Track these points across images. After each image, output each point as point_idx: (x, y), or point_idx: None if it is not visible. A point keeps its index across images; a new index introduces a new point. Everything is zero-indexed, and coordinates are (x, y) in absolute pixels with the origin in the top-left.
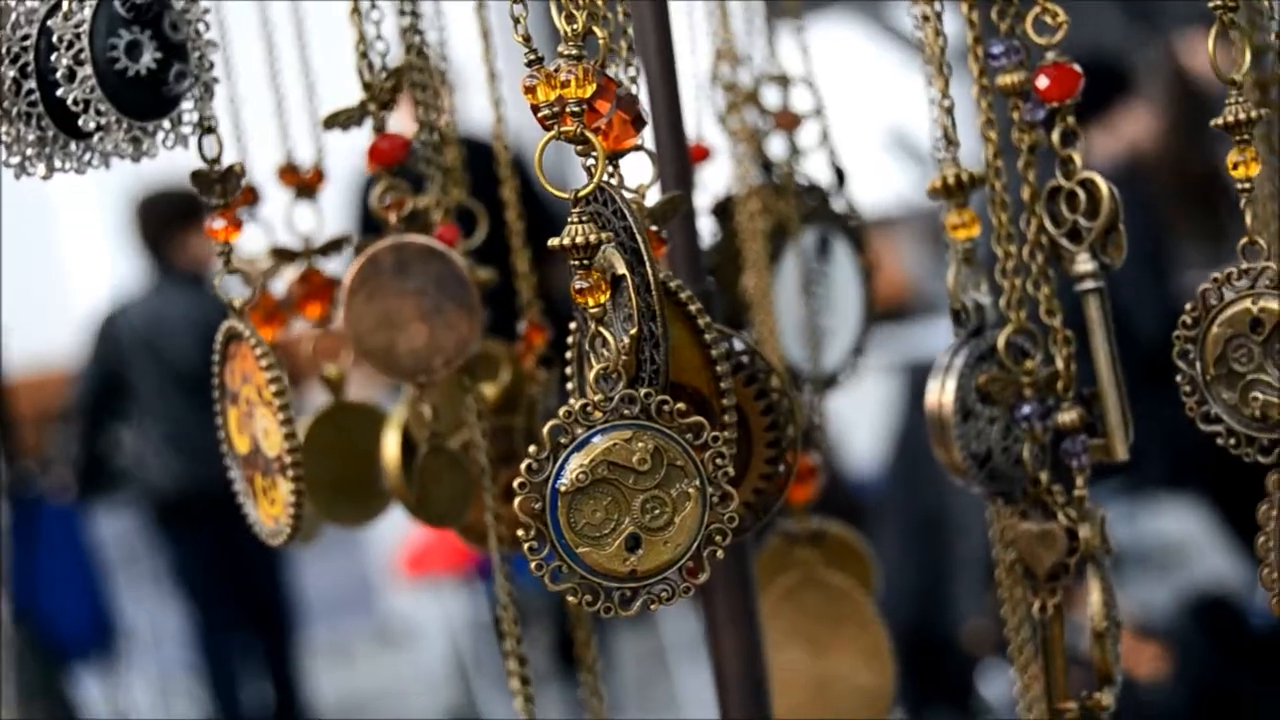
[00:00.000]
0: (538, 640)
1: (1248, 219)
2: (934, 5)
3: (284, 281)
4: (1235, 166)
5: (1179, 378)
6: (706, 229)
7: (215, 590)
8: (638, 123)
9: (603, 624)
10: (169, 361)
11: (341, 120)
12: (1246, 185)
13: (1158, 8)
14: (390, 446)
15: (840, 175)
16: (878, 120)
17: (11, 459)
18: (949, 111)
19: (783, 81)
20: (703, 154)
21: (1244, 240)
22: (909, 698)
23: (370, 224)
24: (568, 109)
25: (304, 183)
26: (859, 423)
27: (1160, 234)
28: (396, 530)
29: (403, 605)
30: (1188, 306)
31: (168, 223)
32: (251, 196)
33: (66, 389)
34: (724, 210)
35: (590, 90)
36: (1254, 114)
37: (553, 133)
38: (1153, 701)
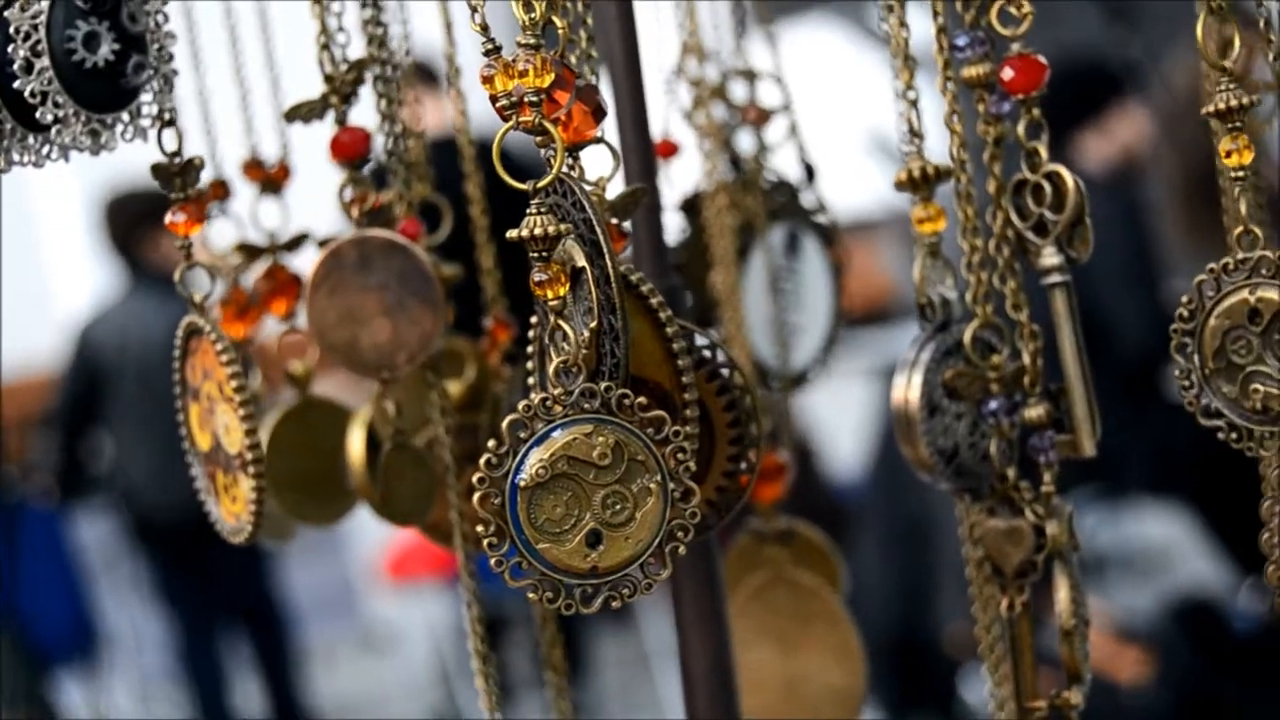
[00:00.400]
0: (520, 645)
1: (1242, 208)
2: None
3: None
4: (1228, 154)
5: (1177, 372)
6: (673, 225)
7: (198, 596)
8: (598, 114)
9: (584, 629)
10: (143, 366)
11: (303, 113)
12: (1239, 173)
13: (1136, 7)
14: (355, 444)
15: (809, 171)
16: (857, 123)
17: None
18: (914, 104)
19: (750, 76)
20: (670, 149)
21: (1239, 229)
22: (890, 701)
23: None
24: (526, 99)
25: (269, 178)
26: (840, 426)
27: (1149, 239)
28: (378, 534)
29: (385, 609)
30: (1184, 299)
31: (138, 223)
32: (221, 191)
33: (48, 394)
34: (691, 206)
35: (548, 80)
36: (1245, 100)
37: (510, 123)
38: (1135, 706)
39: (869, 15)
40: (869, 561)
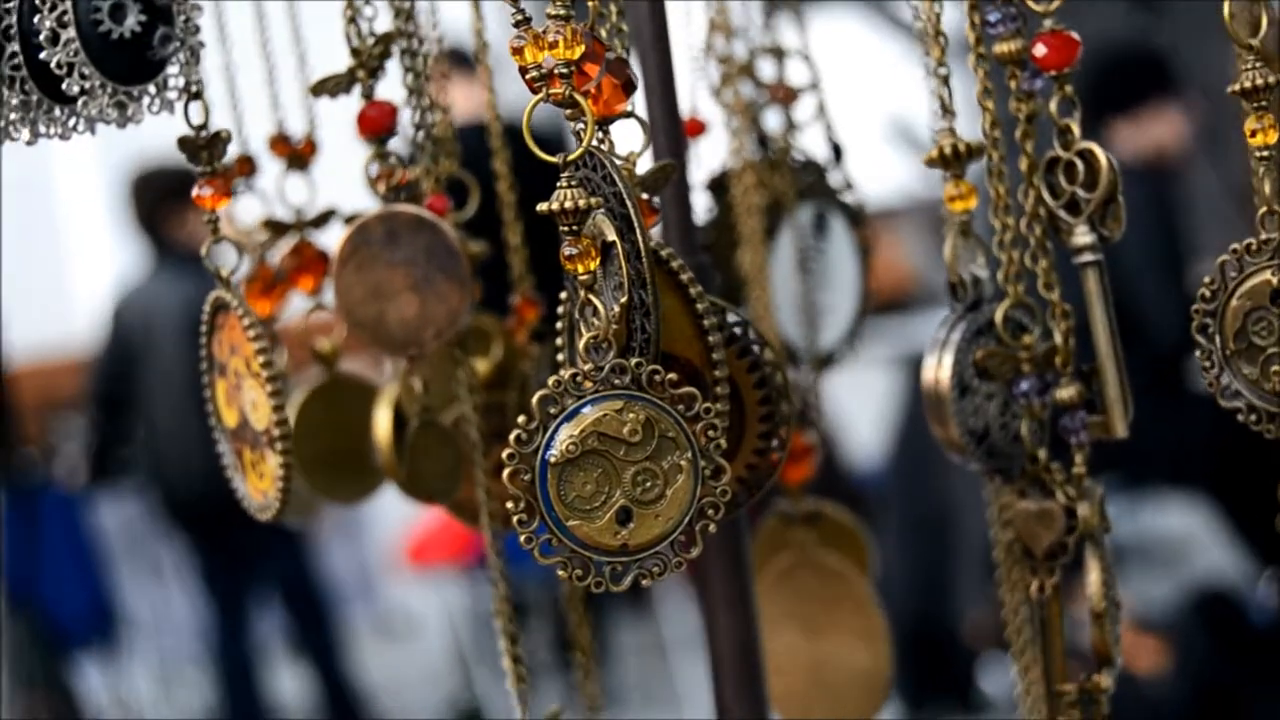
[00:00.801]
0: (538, 634)
1: (1266, 188)
2: None
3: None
4: (1253, 134)
5: (1198, 352)
6: (701, 204)
7: (230, 576)
8: (628, 87)
9: (602, 616)
10: (171, 343)
11: (330, 87)
12: (1265, 153)
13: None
14: (382, 422)
15: (837, 150)
16: (880, 112)
17: (13, 447)
18: (945, 81)
19: (778, 54)
20: (698, 128)
21: (1263, 209)
22: (909, 690)
23: None
24: (556, 71)
25: (296, 153)
26: (861, 415)
27: (1179, 235)
28: (397, 520)
29: (403, 595)
30: (1206, 280)
31: (163, 200)
32: (248, 167)
33: (70, 376)
34: (719, 185)
35: (578, 52)
36: (1271, 79)
37: (540, 95)
38: (1153, 695)
39: (891, 3)
40: (888, 551)
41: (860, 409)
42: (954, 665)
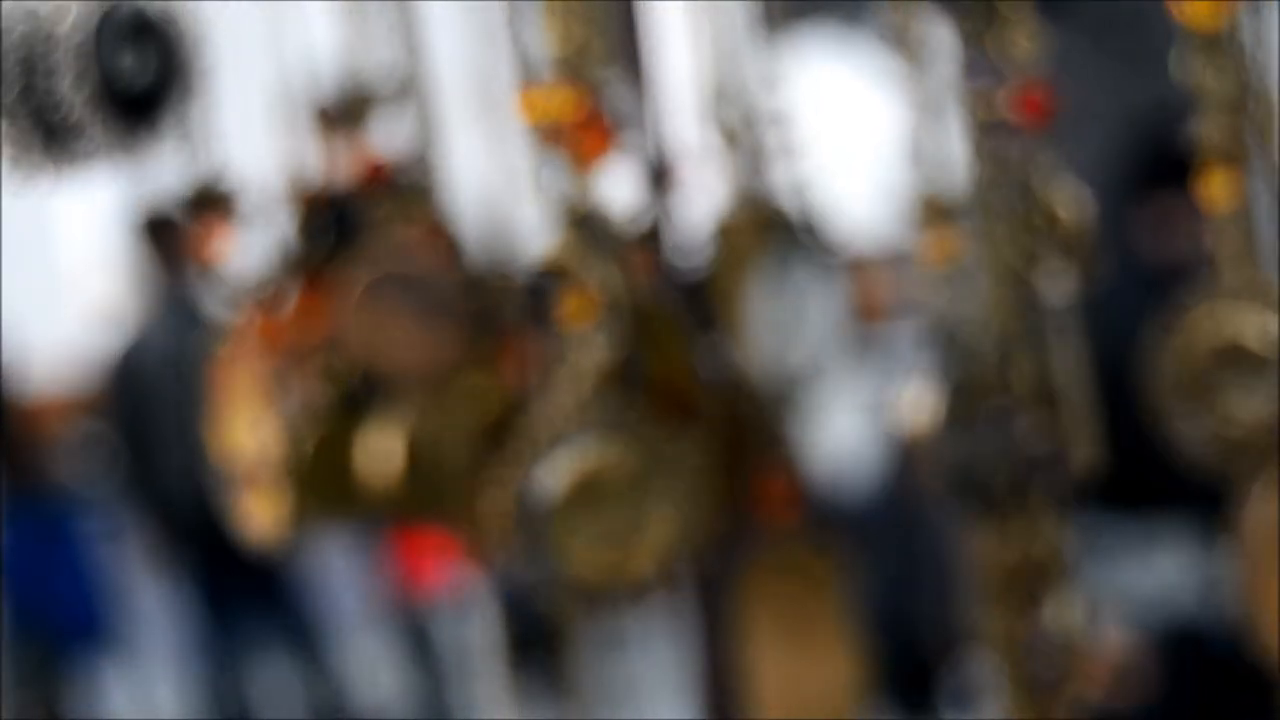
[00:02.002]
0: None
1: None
2: (912, 24)
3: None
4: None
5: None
6: (689, 240)
7: (219, 587)
8: (621, 140)
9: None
10: (171, 373)
11: (334, 129)
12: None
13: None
14: (380, 449)
15: (821, 184)
16: (853, 147)
17: (12, 451)
18: (929, 134)
19: (771, 89)
20: (685, 168)
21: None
22: (876, 708)
23: None
24: (554, 126)
25: (302, 197)
26: (833, 442)
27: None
28: (390, 548)
29: (396, 623)
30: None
31: (162, 237)
32: (249, 210)
33: (70, 383)
34: (703, 218)
35: (583, 103)
36: None
37: (544, 148)
38: None
39: (868, 28)
40: (858, 569)
41: (832, 436)
42: (922, 683)
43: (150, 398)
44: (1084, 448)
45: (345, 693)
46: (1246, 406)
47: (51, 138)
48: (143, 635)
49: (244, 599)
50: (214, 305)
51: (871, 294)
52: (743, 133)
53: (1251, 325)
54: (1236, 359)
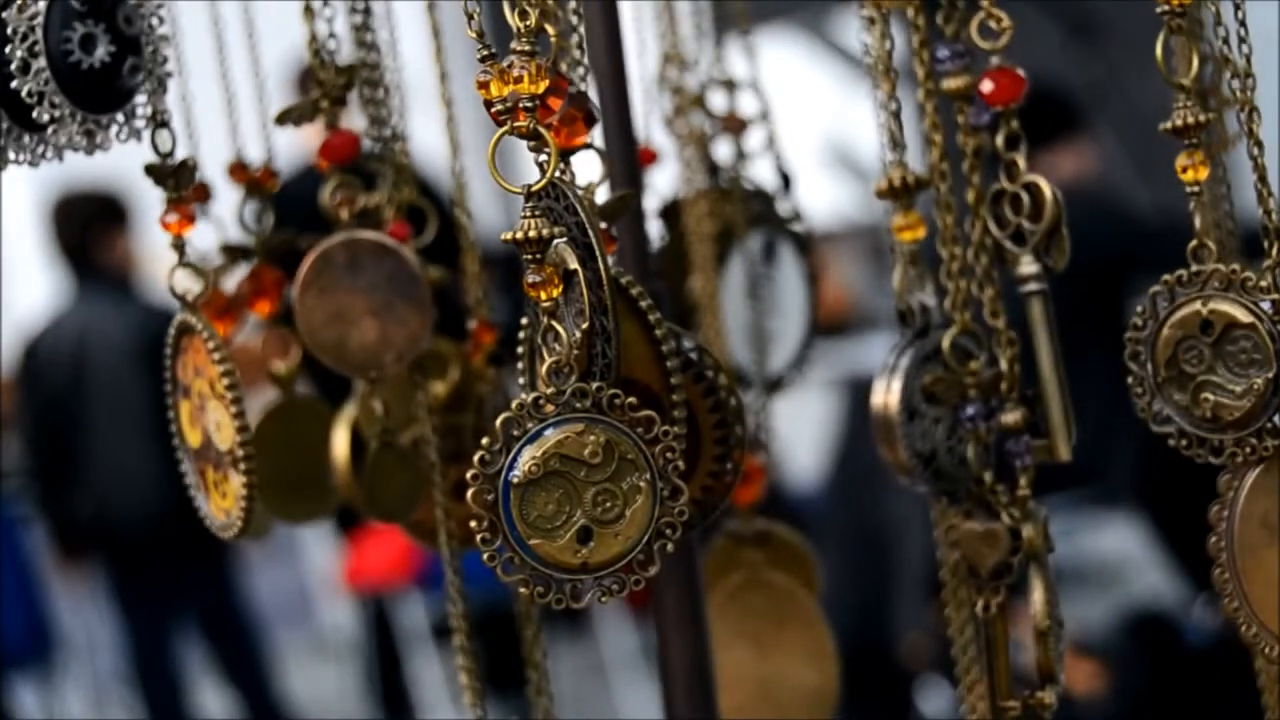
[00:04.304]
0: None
1: (1196, 222)
2: (881, 9)
3: (234, 279)
4: (1184, 170)
5: (1130, 379)
6: (653, 232)
7: (154, 602)
8: (589, 120)
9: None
10: (103, 370)
11: (294, 116)
12: (1195, 189)
13: (1099, 26)
14: (339, 442)
15: (786, 179)
16: (818, 135)
17: None
18: (895, 115)
19: (729, 86)
20: (650, 157)
21: (1193, 243)
22: (847, 712)
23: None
24: (520, 105)
25: (254, 180)
26: (799, 437)
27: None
28: (335, 542)
29: (338, 617)
30: (1138, 309)
31: (88, 226)
32: (204, 193)
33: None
34: (671, 213)
35: (543, 86)
36: (1201, 118)
37: (505, 128)
38: (1089, 718)
39: (830, 27)
40: (827, 573)
41: (799, 432)
42: (892, 687)
43: (71, 385)
44: (1059, 433)
45: (269, 695)
46: (1233, 387)
47: (8, 110)
48: (71, 646)
49: (173, 595)
50: (152, 292)
51: (836, 279)
52: (707, 125)
53: (1236, 305)
54: (1222, 338)
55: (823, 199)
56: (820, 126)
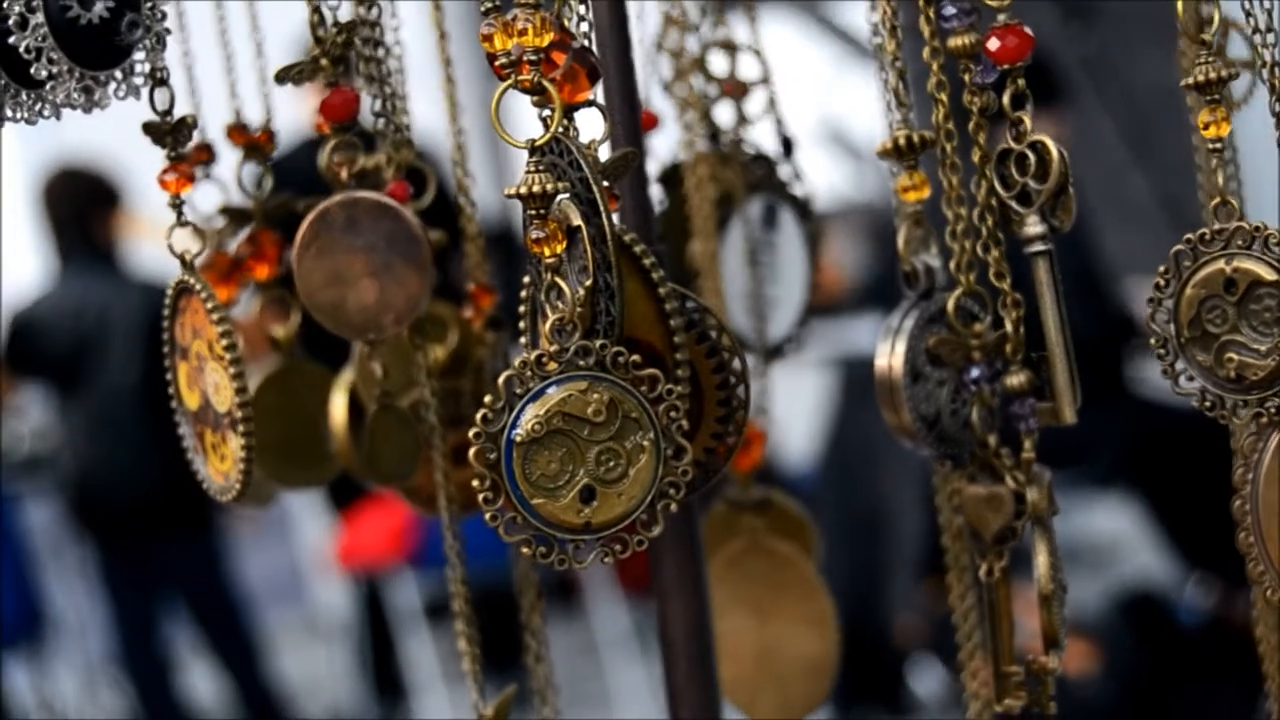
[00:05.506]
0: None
1: (1219, 179)
2: None
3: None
4: (1206, 126)
5: (1152, 340)
6: (654, 196)
7: (141, 583)
8: (593, 75)
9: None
10: (96, 346)
11: (293, 75)
12: (1217, 145)
13: (1095, 9)
14: (338, 407)
15: (787, 144)
16: (813, 114)
17: None
18: (901, 74)
19: (730, 49)
20: (651, 121)
21: (1216, 200)
22: (839, 691)
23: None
24: (525, 58)
25: (253, 142)
26: (792, 417)
27: (1089, 241)
28: (327, 522)
29: (331, 596)
30: (1160, 269)
31: (79, 201)
32: (207, 154)
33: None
34: (671, 177)
35: (548, 39)
36: (1224, 73)
37: (509, 82)
38: (1081, 697)
39: (825, 7)
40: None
41: (791, 411)
42: (884, 666)
43: (63, 360)
44: (1064, 396)
45: (258, 675)
46: (1258, 346)
47: (5, 67)
48: (63, 627)
49: (162, 574)
50: (173, 250)
51: (831, 258)
52: (708, 88)
53: (1260, 263)
54: (1246, 296)
55: (817, 178)
56: (815, 105)
